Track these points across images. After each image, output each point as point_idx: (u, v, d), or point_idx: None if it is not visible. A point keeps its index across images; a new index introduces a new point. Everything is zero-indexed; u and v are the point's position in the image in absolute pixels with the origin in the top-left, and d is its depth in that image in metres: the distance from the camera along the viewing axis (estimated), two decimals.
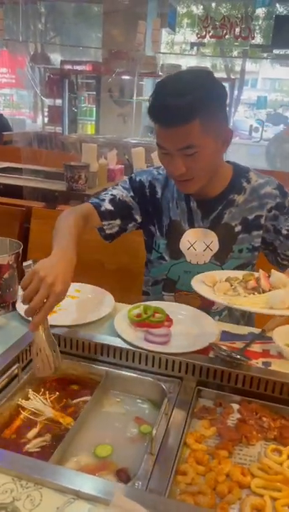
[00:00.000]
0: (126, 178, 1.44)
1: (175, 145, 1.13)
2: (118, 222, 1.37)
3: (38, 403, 0.95)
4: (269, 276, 1.05)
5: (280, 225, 1.32)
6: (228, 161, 1.38)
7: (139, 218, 1.40)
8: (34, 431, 0.89)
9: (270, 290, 1.01)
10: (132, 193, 1.38)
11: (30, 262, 1.01)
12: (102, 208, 1.34)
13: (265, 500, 0.74)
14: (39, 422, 0.91)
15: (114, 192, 1.38)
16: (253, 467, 0.82)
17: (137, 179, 1.39)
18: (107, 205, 1.35)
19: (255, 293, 1.02)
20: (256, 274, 1.08)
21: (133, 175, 1.42)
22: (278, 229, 1.32)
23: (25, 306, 1.22)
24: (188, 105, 1.07)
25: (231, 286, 1.06)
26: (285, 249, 1.34)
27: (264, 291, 1.02)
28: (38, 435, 0.89)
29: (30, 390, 1.00)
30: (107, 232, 1.38)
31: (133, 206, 1.38)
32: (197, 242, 1.33)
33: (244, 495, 0.76)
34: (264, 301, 0.98)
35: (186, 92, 1.08)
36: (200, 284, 1.07)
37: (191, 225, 1.34)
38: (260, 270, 1.08)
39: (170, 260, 1.37)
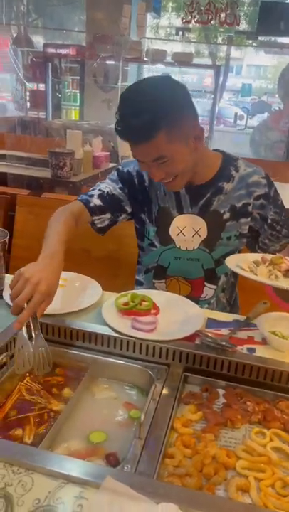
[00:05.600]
0: (114, 170, 1.45)
1: (146, 158, 1.18)
2: (108, 215, 1.39)
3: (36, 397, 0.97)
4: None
5: (267, 214, 1.34)
6: (217, 150, 1.39)
7: (129, 209, 1.41)
8: (30, 428, 0.89)
9: None
10: (120, 185, 1.39)
11: None
12: (92, 204, 1.36)
13: (249, 481, 0.77)
14: (31, 416, 0.92)
15: (103, 187, 1.40)
16: (238, 449, 0.85)
17: (125, 170, 1.40)
18: (96, 201, 1.36)
19: None
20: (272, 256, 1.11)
21: (120, 167, 1.43)
22: (265, 216, 1.35)
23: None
24: (148, 124, 1.09)
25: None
26: (264, 237, 1.38)
27: None
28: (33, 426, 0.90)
29: (27, 379, 1.02)
30: (98, 226, 1.40)
31: (122, 198, 1.40)
32: (186, 227, 1.35)
33: (229, 476, 0.79)
34: None
35: (145, 111, 1.09)
36: (239, 269, 1.07)
37: (180, 212, 1.36)
38: (277, 253, 1.12)
39: (160, 246, 1.39)
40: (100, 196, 1.37)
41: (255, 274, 1.05)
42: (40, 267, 1.04)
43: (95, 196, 1.37)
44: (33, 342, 0.97)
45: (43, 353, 0.97)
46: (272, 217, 1.34)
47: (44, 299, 1.00)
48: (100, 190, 1.38)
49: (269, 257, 1.12)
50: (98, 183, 1.43)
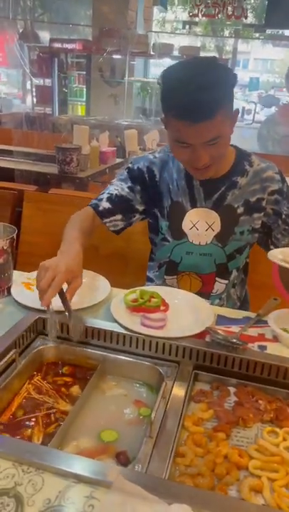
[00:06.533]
0: (124, 169, 1.45)
1: (202, 139, 1.14)
2: (119, 217, 1.39)
3: (44, 396, 0.96)
4: None
5: (281, 209, 1.33)
6: (230, 144, 1.37)
7: (140, 207, 1.40)
8: (38, 428, 0.88)
9: None
10: (129, 183, 1.39)
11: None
12: (100, 208, 1.37)
13: (262, 481, 0.76)
14: (40, 416, 0.91)
15: (111, 189, 1.40)
16: (250, 449, 0.83)
17: (135, 167, 1.39)
18: (105, 204, 1.37)
19: None
20: None
21: (130, 164, 1.42)
22: (280, 212, 1.33)
23: (21, 292, 1.23)
24: (215, 100, 1.08)
25: None
26: (278, 232, 1.36)
27: None
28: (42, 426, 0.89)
29: (37, 378, 1.01)
30: (112, 229, 1.40)
31: (132, 198, 1.39)
32: (199, 221, 1.34)
33: (242, 476, 0.78)
34: None
35: (211, 87, 1.08)
36: (282, 262, 1.07)
37: (194, 205, 1.34)
38: None
39: (173, 241, 1.38)
40: (109, 199, 1.37)
41: None
42: (58, 257, 1.12)
43: (104, 200, 1.38)
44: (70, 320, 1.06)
45: (78, 322, 1.07)
46: (286, 213, 1.33)
47: (67, 277, 1.06)
48: (108, 193, 1.39)
49: None
50: (108, 185, 1.44)
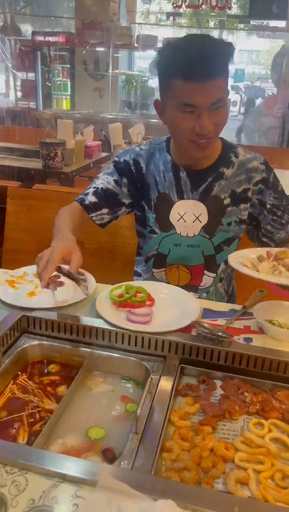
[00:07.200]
0: (111, 163, 1.45)
1: (208, 99, 1.14)
2: (105, 211, 1.39)
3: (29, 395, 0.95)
4: None
5: (265, 199, 1.33)
6: None
7: (126, 200, 1.40)
8: (23, 428, 0.87)
9: None
10: (115, 177, 1.38)
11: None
12: (87, 202, 1.37)
13: (248, 473, 0.76)
14: (24, 416, 0.90)
15: (97, 183, 1.40)
16: (236, 441, 0.83)
17: (122, 160, 1.39)
18: (91, 198, 1.37)
19: None
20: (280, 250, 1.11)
21: (117, 158, 1.42)
22: (264, 202, 1.33)
23: (5, 290, 1.21)
24: (220, 59, 1.13)
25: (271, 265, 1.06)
26: (266, 223, 1.36)
27: None
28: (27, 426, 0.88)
29: (22, 378, 1.00)
30: (98, 223, 1.40)
31: (118, 191, 1.38)
32: (187, 213, 1.33)
33: (228, 469, 0.78)
34: None
35: (215, 47, 1.13)
36: (240, 265, 1.06)
37: (181, 197, 1.34)
38: (284, 248, 1.12)
39: (161, 233, 1.38)
40: (95, 193, 1.38)
41: (257, 271, 1.03)
42: (52, 246, 1.13)
43: (90, 194, 1.38)
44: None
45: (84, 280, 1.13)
46: (271, 203, 1.33)
47: (63, 254, 1.08)
48: (94, 187, 1.39)
49: (274, 251, 1.11)
50: (94, 179, 1.43)
